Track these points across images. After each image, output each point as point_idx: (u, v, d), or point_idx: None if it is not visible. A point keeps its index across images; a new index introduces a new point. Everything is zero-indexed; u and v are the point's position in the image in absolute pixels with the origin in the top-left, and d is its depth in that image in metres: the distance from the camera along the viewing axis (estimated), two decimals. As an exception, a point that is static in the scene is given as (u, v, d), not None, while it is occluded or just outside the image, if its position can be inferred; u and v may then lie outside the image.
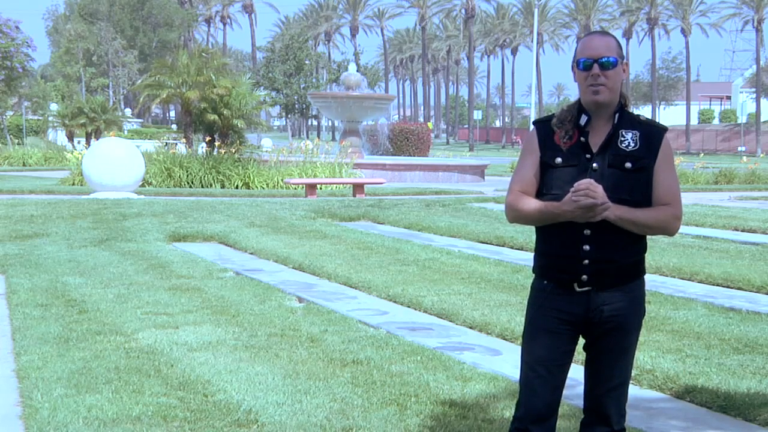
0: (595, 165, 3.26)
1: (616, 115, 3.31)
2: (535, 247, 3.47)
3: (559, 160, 3.29)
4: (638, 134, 3.29)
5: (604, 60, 3.24)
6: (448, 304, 7.89)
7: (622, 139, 3.28)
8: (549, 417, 3.36)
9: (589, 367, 3.45)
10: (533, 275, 3.47)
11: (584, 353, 3.47)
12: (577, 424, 3.58)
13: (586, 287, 3.29)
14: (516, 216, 3.37)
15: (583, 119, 3.30)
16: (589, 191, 3.13)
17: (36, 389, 5.28)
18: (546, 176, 3.32)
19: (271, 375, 5.61)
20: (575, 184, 3.16)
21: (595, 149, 3.28)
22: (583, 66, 3.26)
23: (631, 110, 3.38)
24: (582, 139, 3.29)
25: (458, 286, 8.84)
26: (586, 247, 3.25)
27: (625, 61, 3.31)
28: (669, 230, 3.34)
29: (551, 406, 3.36)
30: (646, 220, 3.26)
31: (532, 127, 3.44)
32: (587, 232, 3.24)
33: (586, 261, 3.25)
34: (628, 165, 3.26)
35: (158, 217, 14.36)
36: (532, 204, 3.30)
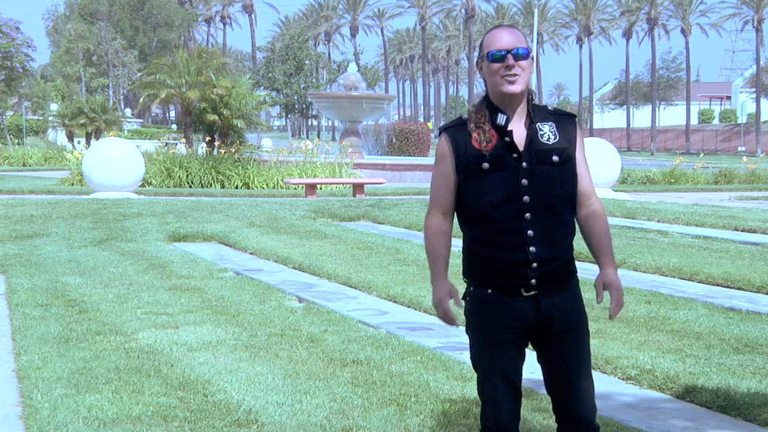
0: (525, 164, 3.18)
1: (531, 109, 3.24)
2: (465, 250, 3.35)
3: (486, 165, 3.18)
4: (554, 126, 3.25)
5: (516, 51, 3.17)
6: (448, 304, 7.87)
7: (542, 132, 3.22)
8: (513, 422, 3.31)
9: (552, 378, 3.35)
10: (466, 281, 3.37)
11: (540, 366, 3.38)
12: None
13: (534, 291, 3.22)
14: (425, 239, 3.40)
15: (501, 118, 3.19)
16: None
17: (36, 389, 5.29)
18: (473, 183, 3.21)
19: (271, 375, 5.61)
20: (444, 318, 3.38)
21: (520, 147, 3.20)
22: (495, 57, 3.17)
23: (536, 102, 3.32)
24: (507, 139, 3.19)
25: (458, 286, 8.82)
26: (532, 249, 3.17)
27: (532, 55, 3.27)
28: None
29: (515, 413, 3.32)
30: (609, 235, 3.36)
31: (439, 134, 3.30)
32: (530, 233, 3.18)
33: (535, 264, 3.18)
34: (555, 158, 3.21)
35: (158, 217, 14.36)
36: (436, 247, 3.36)
